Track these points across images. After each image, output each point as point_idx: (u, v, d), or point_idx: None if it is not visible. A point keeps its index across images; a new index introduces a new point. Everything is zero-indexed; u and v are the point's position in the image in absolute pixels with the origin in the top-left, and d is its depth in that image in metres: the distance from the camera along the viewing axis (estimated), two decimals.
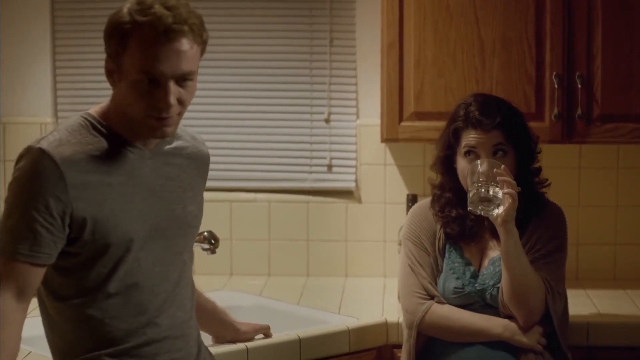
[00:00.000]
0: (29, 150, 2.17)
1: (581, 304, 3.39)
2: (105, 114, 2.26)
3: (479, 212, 2.82)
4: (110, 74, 2.22)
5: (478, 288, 2.95)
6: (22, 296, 2.16)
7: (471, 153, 2.95)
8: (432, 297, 2.97)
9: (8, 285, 2.14)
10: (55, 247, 2.17)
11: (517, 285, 2.85)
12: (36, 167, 2.14)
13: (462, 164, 2.97)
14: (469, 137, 2.95)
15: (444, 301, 2.97)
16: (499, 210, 2.79)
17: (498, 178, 2.79)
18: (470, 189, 2.82)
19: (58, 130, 2.22)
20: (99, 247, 2.21)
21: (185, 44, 2.18)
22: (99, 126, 2.24)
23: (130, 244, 2.23)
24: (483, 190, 2.79)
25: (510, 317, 2.92)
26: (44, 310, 2.30)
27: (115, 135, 2.24)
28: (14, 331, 2.16)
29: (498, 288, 2.92)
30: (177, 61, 2.17)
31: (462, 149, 2.97)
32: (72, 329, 2.26)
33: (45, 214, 2.14)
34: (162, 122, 2.21)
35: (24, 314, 2.19)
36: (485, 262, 3.00)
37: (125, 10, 2.18)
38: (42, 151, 2.15)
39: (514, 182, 2.80)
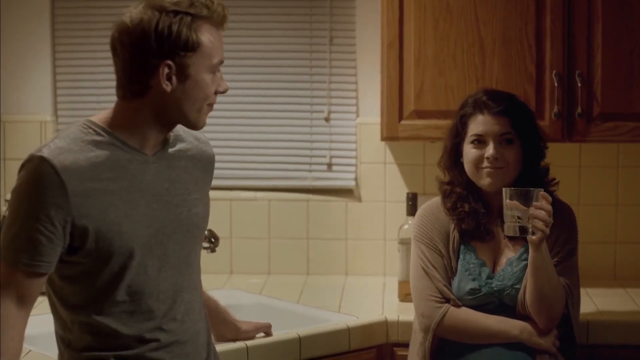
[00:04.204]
0: (30, 158, 2.16)
1: (581, 302, 3.38)
2: (108, 121, 2.25)
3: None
4: (169, 78, 2.21)
5: (496, 289, 2.94)
6: (23, 303, 2.16)
7: (479, 142, 2.94)
8: (447, 300, 2.95)
9: (8, 293, 2.15)
10: (56, 255, 2.17)
11: (544, 295, 2.85)
12: (37, 176, 2.14)
13: (468, 151, 2.96)
14: (476, 123, 2.95)
15: (460, 303, 2.95)
16: (532, 236, 2.79)
17: (531, 214, 2.75)
18: (504, 217, 2.81)
19: (60, 138, 2.21)
20: (103, 255, 2.20)
21: None
22: (103, 132, 2.23)
23: (133, 251, 2.23)
24: (516, 224, 2.78)
25: (526, 317, 2.91)
26: (55, 313, 2.30)
27: (118, 141, 2.24)
28: (15, 337, 2.16)
29: (517, 289, 2.92)
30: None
31: (469, 137, 2.97)
32: (83, 333, 2.26)
33: (47, 222, 2.13)
34: (211, 110, 2.30)
35: (25, 320, 2.19)
36: (502, 262, 2.98)
37: (163, 11, 2.19)
38: (43, 159, 2.14)
39: (546, 212, 2.77)
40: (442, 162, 3.08)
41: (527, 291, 2.87)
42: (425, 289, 2.97)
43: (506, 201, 2.78)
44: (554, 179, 3.06)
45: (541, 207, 2.76)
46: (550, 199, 2.80)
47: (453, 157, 3.03)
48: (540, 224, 2.75)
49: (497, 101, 2.96)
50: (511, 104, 2.97)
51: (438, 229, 3.02)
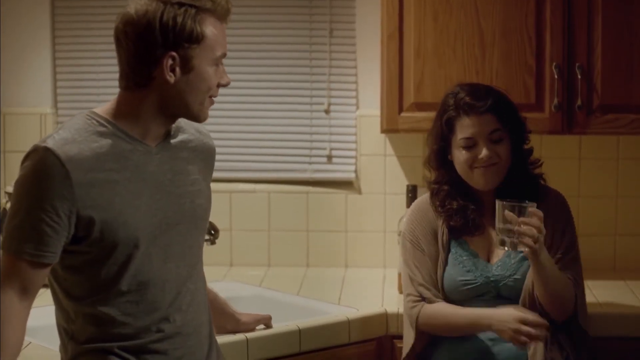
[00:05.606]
0: (35, 149, 2.17)
1: None
2: (111, 112, 2.26)
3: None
4: (172, 70, 2.23)
5: (492, 279, 2.94)
6: (26, 294, 2.17)
7: (471, 147, 2.94)
8: (423, 299, 2.97)
9: (11, 283, 2.15)
10: (60, 245, 2.18)
11: (556, 295, 2.86)
12: (42, 166, 2.14)
13: (459, 154, 2.96)
14: (464, 127, 2.94)
15: (436, 300, 2.96)
16: (525, 249, 2.77)
17: (517, 230, 2.72)
18: (496, 230, 2.79)
19: (64, 129, 2.21)
20: (108, 245, 2.21)
21: None
22: (106, 123, 2.24)
23: (138, 241, 2.23)
24: (505, 238, 2.76)
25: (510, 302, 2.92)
26: (58, 304, 2.30)
27: (121, 132, 2.24)
28: (17, 328, 2.16)
29: (515, 279, 2.92)
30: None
31: (458, 141, 2.96)
32: (87, 324, 2.26)
33: (52, 213, 2.14)
34: (213, 102, 2.31)
35: (27, 312, 2.19)
36: (500, 252, 2.97)
37: (168, 2, 2.20)
38: (48, 150, 2.15)
39: (535, 229, 2.73)
40: (429, 163, 3.08)
41: (538, 294, 2.87)
42: (406, 287, 3.03)
43: (498, 214, 2.77)
44: (539, 159, 3.06)
45: (529, 223, 2.73)
46: (541, 214, 2.76)
47: (440, 157, 3.03)
48: (527, 240, 2.73)
49: (481, 100, 2.94)
50: (494, 99, 2.95)
51: (424, 226, 3.04)
